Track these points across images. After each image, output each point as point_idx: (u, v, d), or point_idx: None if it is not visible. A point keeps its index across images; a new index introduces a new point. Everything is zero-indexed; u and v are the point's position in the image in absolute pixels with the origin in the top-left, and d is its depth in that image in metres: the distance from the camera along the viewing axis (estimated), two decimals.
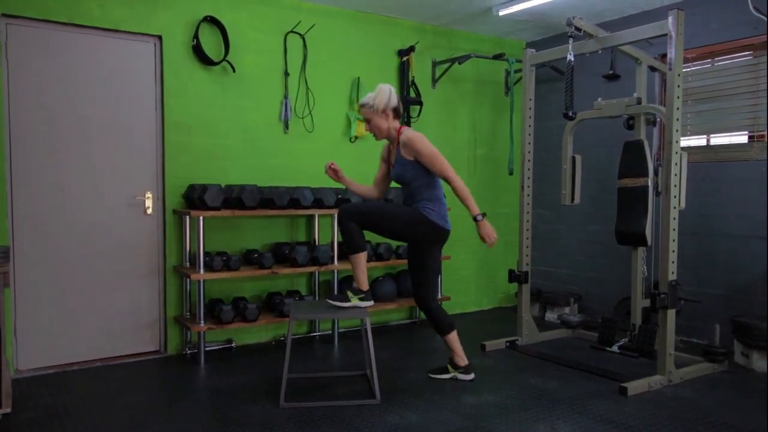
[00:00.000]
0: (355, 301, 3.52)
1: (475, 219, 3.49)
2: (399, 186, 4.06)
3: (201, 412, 3.34)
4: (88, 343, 4.23)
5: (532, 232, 4.77)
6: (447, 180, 3.46)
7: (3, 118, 3.90)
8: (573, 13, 4.94)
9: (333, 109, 5.13)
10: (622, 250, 5.07)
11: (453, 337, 3.80)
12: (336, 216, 3.51)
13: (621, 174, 4.38)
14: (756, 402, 3.51)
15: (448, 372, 3.85)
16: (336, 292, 4.65)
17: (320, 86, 5.04)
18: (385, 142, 3.75)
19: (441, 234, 3.60)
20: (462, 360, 3.82)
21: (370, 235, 5.26)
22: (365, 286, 3.55)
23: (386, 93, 3.50)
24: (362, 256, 3.51)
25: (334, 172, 3.69)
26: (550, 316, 5.66)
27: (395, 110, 3.54)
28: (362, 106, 3.55)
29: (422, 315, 5.58)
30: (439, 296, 5.38)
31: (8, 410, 3.21)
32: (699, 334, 4.71)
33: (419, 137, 3.46)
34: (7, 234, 3.93)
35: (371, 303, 3.58)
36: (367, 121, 3.56)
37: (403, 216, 3.53)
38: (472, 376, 3.82)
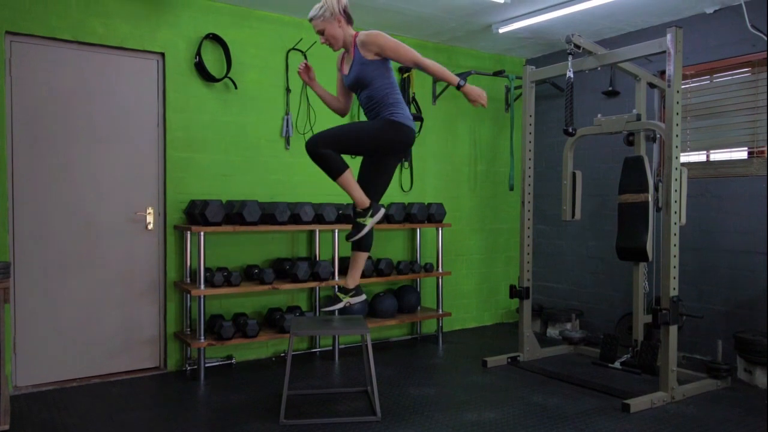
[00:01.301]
0: (346, 299, 3.49)
1: (458, 87, 3.30)
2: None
3: (201, 429, 3.31)
4: (88, 359, 4.22)
5: (533, 247, 4.78)
6: (418, 64, 3.23)
7: (6, 134, 3.92)
8: (572, 31, 4.98)
9: (334, 125, 5.14)
10: (624, 265, 5.07)
11: (344, 180, 3.33)
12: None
13: (621, 190, 4.38)
14: (759, 419, 3.48)
15: (363, 225, 3.38)
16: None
17: (321, 103, 5.04)
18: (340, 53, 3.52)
19: (409, 134, 3.35)
20: (362, 202, 3.37)
21: (371, 250, 5.25)
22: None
23: None
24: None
25: (306, 72, 3.51)
26: (552, 332, 5.64)
27: (347, 15, 3.31)
28: (312, 18, 3.30)
29: (424, 330, 5.58)
30: (440, 312, 5.36)
31: (6, 427, 3.19)
32: (701, 350, 4.68)
33: (378, 32, 3.23)
34: (8, 249, 3.94)
35: (363, 297, 3.56)
36: (321, 33, 3.31)
37: (370, 127, 3.32)
38: (382, 211, 3.39)
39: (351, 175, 3.33)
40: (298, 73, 3.52)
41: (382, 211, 3.39)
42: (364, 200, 3.37)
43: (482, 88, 5.94)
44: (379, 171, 3.49)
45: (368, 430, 3.28)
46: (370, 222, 3.36)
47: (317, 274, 4.62)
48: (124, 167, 4.34)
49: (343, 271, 4.91)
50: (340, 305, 3.51)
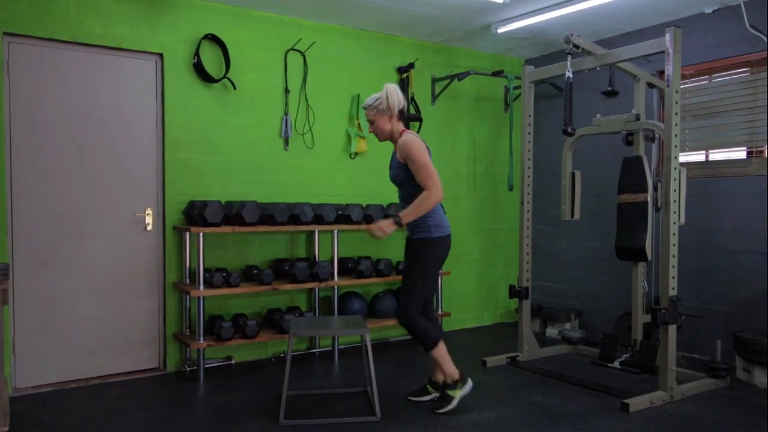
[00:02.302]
0: (458, 394, 3.54)
1: (392, 216, 3.39)
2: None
3: (200, 429, 3.31)
4: (87, 360, 4.22)
5: (532, 247, 4.78)
6: (424, 188, 3.33)
7: (4, 135, 3.92)
8: (571, 31, 4.98)
9: (333, 125, 5.16)
10: (623, 265, 5.07)
11: (438, 351, 3.53)
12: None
13: (621, 190, 4.39)
14: (758, 418, 3.49)
15: (452, 398, 3.54)
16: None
17: (320, 103, 5.07)
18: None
19: (449, 241, 3.54)
20: (453, 374, 3.57)
21: (370, 249, 5.26)
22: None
23: (394, 95, 3.41)
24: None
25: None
26: (551, 331, 5.64)
27: (401, 112, 3.46)
28: (366, 107, 3.47)
29: None
30: (439, 312, 5.37)
31: (6, 429, 3.18)
32: (700, 349, 4.68)
33: (413, 142, 3.35)
34: (7, 251, 3.93)
35: (471, 386, 3.60)
36: (371, 122, 3.48)
37: (426, 265, 3.47)
38: (470, 385, 3.59)
39: (444, 347, 3.51)
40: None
41: (471, 384, 3.58)
42: (455, 372, 3.55)
43: (481, 88, 6.02)
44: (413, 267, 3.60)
45: (368, 430, 3.28)
46: (459, 395, 3.53)
47: (316, 274, 4.62)
48: (122, 168, 4.33)
49: (342, 272, 4.94)
50: (456, 403, 3.53)
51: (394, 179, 3.54)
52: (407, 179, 3.43)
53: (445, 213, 3.59)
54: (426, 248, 3.47)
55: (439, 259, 3.52)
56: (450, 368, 3.53)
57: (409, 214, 3.34)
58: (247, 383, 4.16)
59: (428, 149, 3.45)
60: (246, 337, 4.32)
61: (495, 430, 3.30)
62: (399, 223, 3.34)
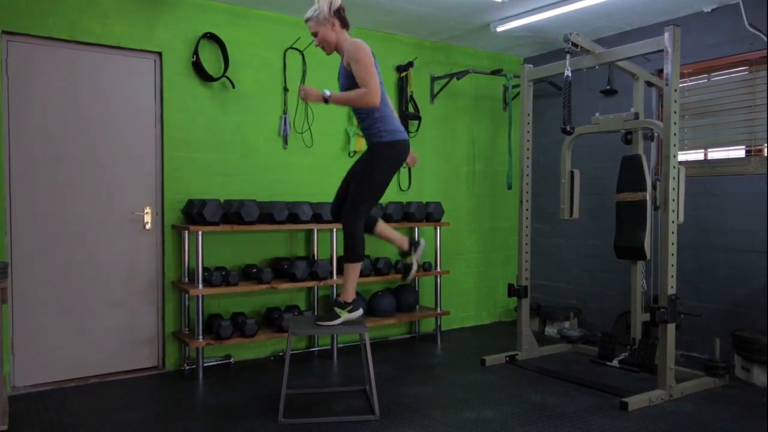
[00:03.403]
0: (345, 315, 3.44)
1: (324, 91, 3.26)
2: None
3: (199, 428, 3.31)
4: (86, 359, 4.21)
5: (531, 246, 4.78)
6: (362, 86, 3.19)
7: (2, 134, 3.91)
8: (570, 30, 4.96)
9: (332, 124, 5.15)
10: (622, 264, 5.07)
11: (355, 268, 3.45)
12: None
13: (619, 188, 4.39)
14: (757, 416, 3.49)
15: (337, 316, 3.44)
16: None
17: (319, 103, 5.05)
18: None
19: (406, 146, 3.43)
20: (349, 295, 3.47)
21: (369, 248, 5.26)
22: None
23: (327, 0, 3.26)
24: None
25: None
26: (550, 330, 5.65)
27: (340, 18, 3.31)
28: (307, 20, 3.33)
29: (422, 329, 5.59)
30: (438, 311, 5.37)
31: (5, 428, 3.18)
32: (699, 348, 4.69)
33: (359, 44, 3.22)
34: (6, 250, 3.93)
35: (361, 312, 3.53)
36: (314, 35, 3.34)
37: (374, 169, 3.37)
38: (360, 312, 3.51)
39: (359, 269, 3.48)
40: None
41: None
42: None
43: (480, 86, 6.01)
44: (362, 167, 3.54)
45: (367, 429, 3.28)
46: (344, 317, 3.47)
47: (315, 273, 4.62)
48: (121, 167, 4.33)
49: (341, 270, 4.88)
50: (338, 322, 3.44)
51: (345, 89, 3.36)
52: (355, 87, 3.27)
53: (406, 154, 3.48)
54: (378, 152, 3.37)
55: (393, 163, 3.40)
56: (351, 289, 3.46)
57: (338, 97, 3.24)
58: (246, 382, 4.16)
59: (375, 58, 3.30)
60: (245, 335, 4.32)
61: (494, 429, 3.30)
62: (326, 99, 3.23)
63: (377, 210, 4.99)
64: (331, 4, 3.28)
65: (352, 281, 3.47)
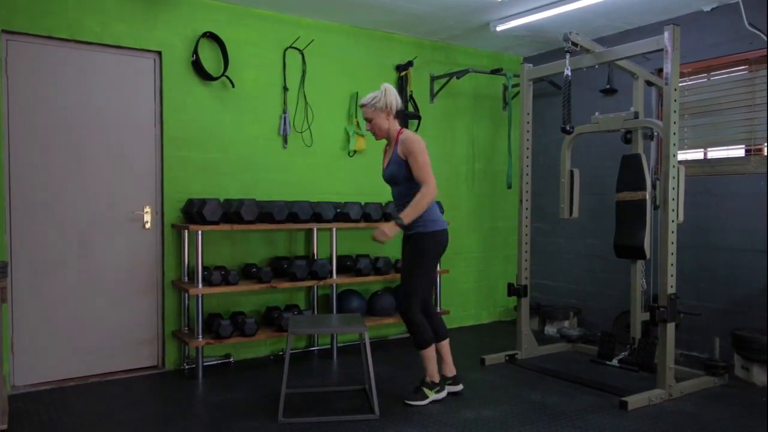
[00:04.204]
0: (432, 396, 3.63)
1: (393, 218, 3.46)
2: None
3: (199, 427, 3.31)
4: (86, 358, 4.21)
5: (530, 245, 4.78)
6: (422, 183, 3.41)
7: (2, 133, 3.91)
8: (570, 29, 4.97)
9: (332, 123, 5.15)
10: (621, 263, 5.07)
11: (427, 353, 3.63)
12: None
13: (619, 188, 4.39)
14: (757, 416, 3.49)
15: (426, 396, 3.63)
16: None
17: (319, 101, 5.06)
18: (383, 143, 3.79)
19: (446, 236, 3.61)
20: (434, 376, 3.67)
21: (369, 247, 5.26)
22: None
23: (392, 94, 3.51)
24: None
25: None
26: (550, 329, 5.65)
27: (398, 111, 3.55)
28: (364, 105, 3.53)
29: None
30: (438, 309, 5.37)
31: (5, 427, 3.18)
32: (699, 347, 4.69)
33: (417, 139, 3.47)
34: (5, 249, 3.93)
35: (446, 393, 3.71)
36: (368, 120, 3.55)
37: (422, 260, 3.52)
38: (445, 393, 3.72)
39: (434, 350, 3.63)
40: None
41: (444, 394, 3.69)
42: (436, 375, 3.66)
43: (480, 86, 6.01)
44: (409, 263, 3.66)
45: (366, 428, 3.28)
46: (432, 397, 3.63)
47: (315, 272, 4.62)
48: (121, 166, 4.33)
49: (341, 270, 4.94)
50: (427, 402, 3.63)
51: (391, 176, 3.57)
52: (405, 176, 3.49)
53: (443, 212, 3.62)
54: (423, 243, 3.52)
55: (436, 253, 3.57)
56: (433, 370, 3.64)
57: (409, 214, 3.40)
58: (245, 381, 4.16)
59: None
60: (245, 335, 4.32)
61: (493, 428, 3.30)
62: (402, 225, 3.42)
63: (375, 209, 4.98)
64: (396, 101, 3.52)
65: (430, 362, 3.63)
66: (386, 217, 5.08)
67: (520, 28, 5.22)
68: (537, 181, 5.93)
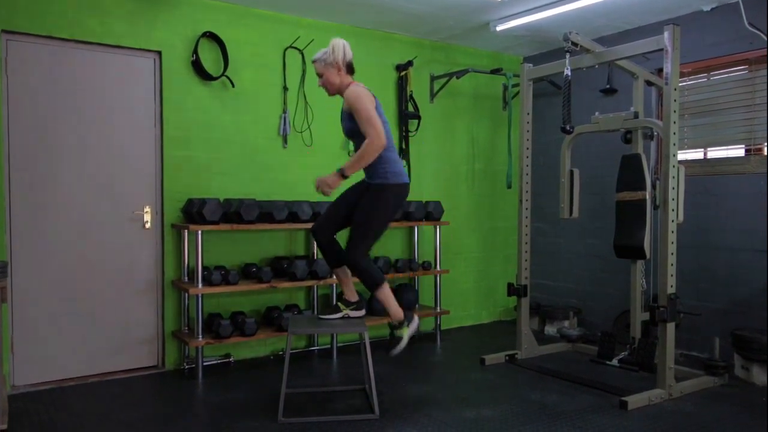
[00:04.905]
0: (406, 333, 3.51)
1: (338, 169, 3.34)
2: None
3: (199, 427, 3.31)
4: (86, 358, 4.21)
5: (530, 245, 4.77)
6: (366, 136, 3.28)
7: (2, 133, 3.91)
8: (570, 29, 4.96)
9: (331, 123, 5.13)
10: (621, 263, 5.06)
11: (383, 291, 3.46)
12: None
13: (619, 188, 4.39)
14: (756, 416, 3.49)
15: (401, 338, 3.48)
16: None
17: (319, 101, 5.05)
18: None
19: (407, 189, 3.50)
20: (399, 314, 3.51)
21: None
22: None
23: (340, 47, 3.37)
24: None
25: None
26: (550, 329, 5.65)
27: (349, 65, 3.43)
28: (315, 61, 3.44)
29: (422, 328, 5.57)
30: (438, 309, 5.38)
31: (4, 427, 3.18)
32: (699, 347, 4.69)
33: (358, 92, 3.33)
34: (5, 249, 3.93)
35: (363, 312, 3.63)
36: (319, 75, 3.44)
37: (378, 210, 3.42)
38: (416, 321, 3.55)
39: (388, 288, 3.48)
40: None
41: (417, 320, 3.56)
42: (400, 313, 3.52)
43: (479, 85, 6.01)
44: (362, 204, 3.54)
45: (366, 428, 3.28)
46: (407, 333, 3.50)
47: (315, 272, 4.62)
48: (121, 166, 4.33)
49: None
50: (338, 315, 3.57)
51: (350, 131, 3.48)
52: (358, 130, 3.37)
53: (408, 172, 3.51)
54: (384, 194, 3.42)
55: (395, 205, 3.48)
56: (395, 308, 3.49)
57: (351, 165, 3.31)
58: (245, 381, 4.16)
59: (376, 99, 3.40)
60: (244, 335, 4.32)
61: (493, 428, 3.30)
62: (343, 175, 3.32)
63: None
64: (344, 54, 3.40)
65: (390, 301, 3.51)
66: None
67: (520, 28, 5.22)
68: (537, 181, 5.92)
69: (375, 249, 5.25)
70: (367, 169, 3.47)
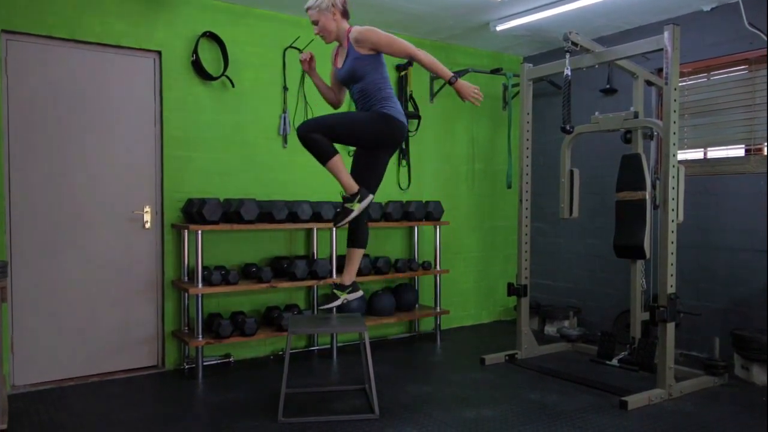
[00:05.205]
0: (343, 296, 3.54)
1: (449, 82, 3.22)
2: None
3: (199, 427, 3.31)
4: (86, 358, 4.21)
5: (530, 245, 4.77)
6: (412, 56, 3.21)
7: (2, 133, 3.91)
8: (570, 29, 4.96)
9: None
10: (621, 263, 5.06)
11: (335, 164, 3.34)
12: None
13: (619, 187, 4.39)
14: (756, 415, 3.49)
15: (351, 210, 3.37)
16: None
17: (319, 101, 5.01)
18: (333, 46, 3.52)
19: (401, 129, 3.39)
20: (351, 187, 3.39)
21: (369, 248, 5.25)
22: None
23: None
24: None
25: (308, 63, 3.49)
26: (550, 329, 5.65)
27: (343, 9, 3.32)
28: (308, 9, 3.34)
29: (422, 328, 5.59)
30: (438, 309, 5.38)
31: (4, 426, 3.18)
32: (699, 347, 4.69)
33: (371, 28, 3.24)
34: (5, 248, 3.93)
35: (360, 293, 3.63)
36: (315, 23, 3.33)
37: (362, 118, 3.34)
38: (370, 197, 3.42)
39: (341, 161, 3.35)
40: (301, 60, 3.48)
41: (371, 197, 3.41)
42: (353, 186, 3.39)
43: (480, 86, 5.99)
44: (369, 165, 3.50)
45: (366, 428, 3.28)
46: (357, 207, 3.37)
47: (315, 272, 4.62)
48: (121, 166, 4.33)
49: (341, 269, 4.90)
50: (338, 302, 3.56)
51: (351, 73, 3.34)
52: (368, 70, 3.30)
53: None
54: (380, 116, 3.31)
55: (385, 134, 3.37)
56: (347, 181, 3.37)
57: (441, 68, 3.22)
58: (245, 381, 4.16)
59: None
60: (244, 334, 4.32)
61: (493, 427, 3.30)
62: (456, 79, 3.23)
63: (375, 209, 4.99)
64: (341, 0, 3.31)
65: (343, 174, 3.36)
66: (386, 217, 5.09)
67: (520, 28, 5.22)
68: (537, 181, 5.92)
69: (375, 250, 5.28)
70: (371, 102, 3.34)
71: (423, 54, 3.22)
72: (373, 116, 3.32)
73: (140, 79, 4.39)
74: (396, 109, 3.36)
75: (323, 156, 3.33)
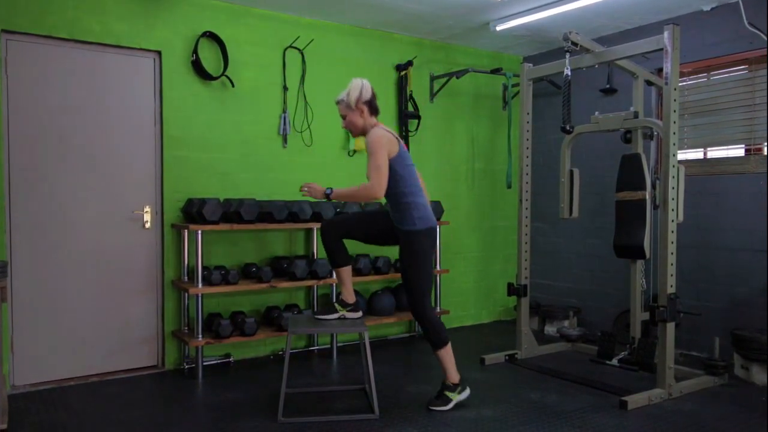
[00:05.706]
0: (455, 398, 3.54)
1: (327, 189, 3.40)
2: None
3: (199, 427, 3.31)
4: (86, 358, 4.21)
5: (530, 245, 4.77)
6: (368, 178, 3.29)
7: (2, 133, 3.91)
8: (570, 28, 4.97)
9: (331, 123, 5.14)
10: (621, 263, 5.07)
11: (447, 352, 3.53)
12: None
13: (619, 187, 4.39)
14: (756, 416, 3.49)
15: (449, 400, 3.54)
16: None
17: (319, 101, 5.06)
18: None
19: (434, 232, 3.50)
20: (454, 377, 3.57)
21: (369, 248, 5.26)
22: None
23: (357, 88, 3.36)
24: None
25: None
26: (550, 329, 5.65)
27: (370, 105, 3.40)
28: (338, 102, 3.44)
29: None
30: (438, 309, 5.38)
31: (4, 426, 3.18)
32: (699, 347, 4.69)
33: (375, 136, 3.29)
34: (5, 248, 3.93)
35: (359, 314, 3.63)
36: (343, 117, 3.45)
37: (415, 259, 3.44)
38: (468, 392, 3.60)
39: (451, 349, 3.53)
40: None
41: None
42: (457, 376, 3.55)
43: (479, 85, 6.01)
44: (403, 264, 3.57)
45: (366, 428, 3.28)
46: (456, 399, 3.54)
47: (315, 272, 4.62)
48: (121, 166, 4.33)
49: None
50: (335, 316, 3.58)
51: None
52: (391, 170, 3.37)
53: (443, 212, 3.54)
54: (415, 243, 3.44)
55: (429, 248, 3.49)
56: (453, 370, 3.55)
57: (342, 194, 3.38)
58: (245, 381, 4.16)
59: (400, 143, 3.39)
60: (244, 334, 4.32)
61: (493, 427, 3.30)
62: (329, 196, 3.38)
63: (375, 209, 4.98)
64: (360, 95, 3.37)
65: (450, 362, 3.54)
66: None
67: (520, 28, 5.22)
68: (537, 181, 5.93)
69: (375, 250, 5.28)
70: (394, 214, 3.48)
71: (367, 187, 3.27)
72: (416, 247, 3.44)
73: (140, 79, 4.39)
74: (423, 217, 3.43)
75: (437, 342, 3.51)
